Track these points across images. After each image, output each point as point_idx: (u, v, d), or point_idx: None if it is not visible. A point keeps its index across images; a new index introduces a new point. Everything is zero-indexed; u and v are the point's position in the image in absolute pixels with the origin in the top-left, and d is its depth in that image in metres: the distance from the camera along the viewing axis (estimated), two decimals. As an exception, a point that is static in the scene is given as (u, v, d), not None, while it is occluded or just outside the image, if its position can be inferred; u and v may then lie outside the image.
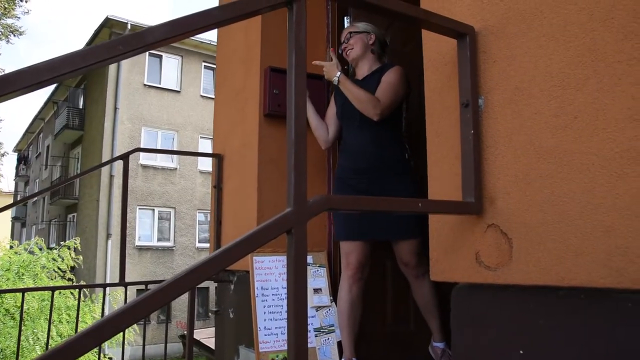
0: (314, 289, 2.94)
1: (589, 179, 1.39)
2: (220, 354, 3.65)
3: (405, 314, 3.17)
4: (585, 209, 1.39)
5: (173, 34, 1.15)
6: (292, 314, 1.19)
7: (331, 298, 2.92)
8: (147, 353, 3.68)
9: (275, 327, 2.77)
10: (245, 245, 1.16)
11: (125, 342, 3.93)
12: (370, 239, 2.64)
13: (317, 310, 2.88)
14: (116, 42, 1.07)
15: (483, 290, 1.65)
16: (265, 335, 2.74)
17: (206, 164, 19.71)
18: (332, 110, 2.93)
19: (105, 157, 18.04)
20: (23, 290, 3.36)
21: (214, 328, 9.94)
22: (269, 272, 2.84)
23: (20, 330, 3.14)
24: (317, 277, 2.98)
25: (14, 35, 24.76)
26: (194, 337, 5.91)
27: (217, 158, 3.67)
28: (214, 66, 20.35)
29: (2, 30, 23.86)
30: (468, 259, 1.66)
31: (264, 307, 2.78)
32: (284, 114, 3.22)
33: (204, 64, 20.62)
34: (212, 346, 9.93)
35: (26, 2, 21.30)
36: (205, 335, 11.25)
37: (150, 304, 1.03)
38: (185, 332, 14.98)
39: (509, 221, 1.56)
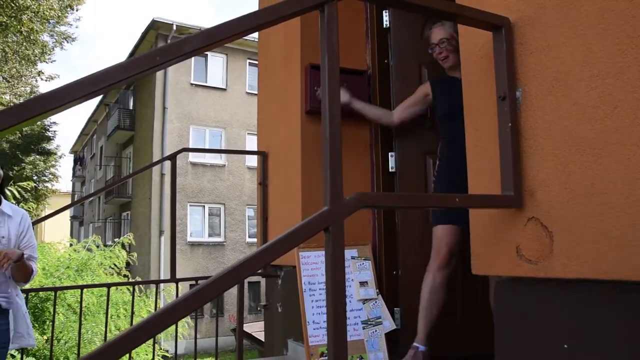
0: (360, 282, 2.96)
1: (630, 170, 1.36)
2: (270, 348, 3.73)
3: (451, 308, 3.15)
4: (627, 201, 1.37)
5: (209, 43, 1.19)
6: (331, 309, 1.22)
7: (377, 291, 2.94)
8: (201, 346, 3.81)
9: (323, 321, 2.81)
10: (286, 242, 1.20)
11: (179, 336, 4.06)
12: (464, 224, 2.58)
13: (363, 303, 2.91)
14: (155, 52, 1.12)
15: (525, 284, 1.64)
16: (314, 329, 2.78)
17: (254, 161, 19.93)
18: (415, 98, 2.95)
19: (156, 156, 18.51)
20: (82, 287, 3.52)
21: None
22: (315, 267, 2.88)
23: (80, 324, 3.30)
24: (362, 270, 3.00)
25: (67, 42, 25.66)
26: (246, 330, 6.04)
27: (262, 155, 3.74)
28: (259, 63, 20.60)
29: (57, 37, 24.78)
30: (509, 252, 1.66)
31: (312, 301, 2.83)
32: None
33: (248, 61, 20.85)
34: (262, 339, 10.13)
35: (77, 10, 21.97)
36: (258, 328, 11.44)
37: (200, 298, 1.08)
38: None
39: (549, 214, 1.55)
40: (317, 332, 2.82)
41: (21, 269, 2.74)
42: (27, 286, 3.14)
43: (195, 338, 3.65)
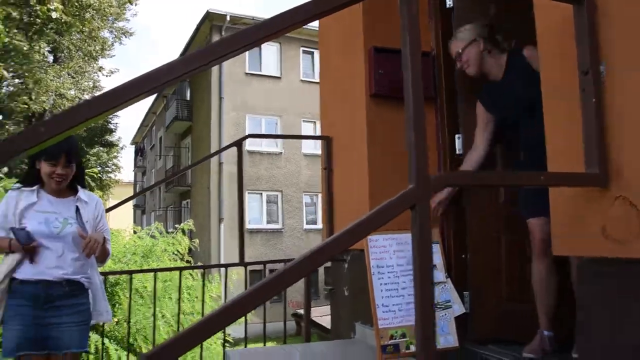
0: (428, 266, 2.94)
1: None
2: (336, 331, 3.76)
3: (519, 293, 3.10)
4: None
5: (266, 34, 1.21)
6: (419, 287, 1.23)
7: (446, 274, 2.92)
8: (259, 330, 3.88)
9: (393, 304, 2.81)
10: (373, 220, 1.21)
11: (240, 321, 4.13)
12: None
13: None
14: (215, 45, 1.14)
15: (610, 265, 1.60)
16: (383, 312, 2.79)
17: (310, 148, 20.09)
18: (483, 118, 2.90)
19: (213, 145, 18.87)
20: (155, 270, 3.65)
21: (323, 307, 10.11)
22: (383, 250, 2.88)
23: (155, 307, 3.43)
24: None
25: (125, 37, 26.49)
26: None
27: (326, 140, 3.76)
28: (313, 50, 20.59)
29: (116, 33, 25.59)
30: (593, 232, 1.61)
31: (381, 284, 2.83)
32: (389, 94, 3.26)
33: (302, 48, 20.93)
34: (323, 324, 10.20)
35: (135, 5, 22.62)
36: (316, 313, 11.56)
37: (284, 280, 1.11)
38: (297, 311, 15.40)
39: (639, 193, 1.50)
40: (386, 315, 2.82)
41: (101, 251, 2.90)
42: (101, 269, 3.29)
43: (265, 321, 3.73)
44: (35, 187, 2.88)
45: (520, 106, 2.67)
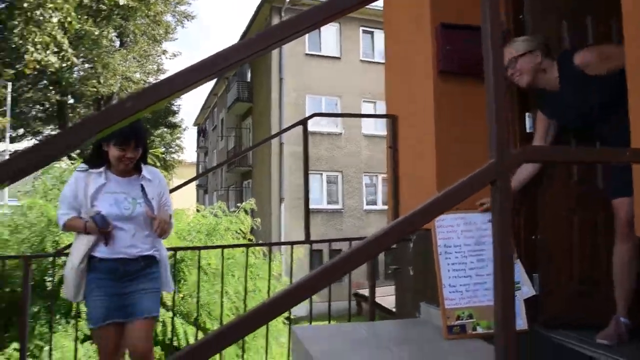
0: (496, 247, 2.88)
1: None
2: (401, 310, 3.75)
3: (592, 275, 2.99)
4: None
5: (328, 15, 1.18)
6: (499, 264, 1.19)
7: (516, 255, 2.85)
8: (322, 310, 3.92)
9: (460, 285, 2.78)
10: (448, 198, 1.18)
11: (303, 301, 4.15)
12: None
13: (501, 268, 2.83)
14: (276, 27, 1.13)
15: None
16: (450, 292, 2.76)
17: (370, 128, 20.00)
18: (542, 125, 2.84)
19: (274, 126, 19.05)
20: (222, 247, 3.74)
21: (384, 287, 10.08)
22: (450, 229, 2.84)
23: (222, 284, 3.51)
24: (499, 235, 2.91)
25: (187, 20, 27.03)
26: (367, 295, 6.16)
27: (392, 119, 3.71)
28: (372, 30, 20.40)
29: (178, 17, 26.16)
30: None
31: (448, 264, 2.80)
32: (457, 71, 3.19)
33: (361, 28, 20.74)
34: (384, 304, 10.19)
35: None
36: (376, 294, 11.55)
37: (352, 261, 1.09)
38: (358, 291, 15.46)
39: None
40: (453, 295, 2.79)
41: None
42: (171, 245, 3.41)
43: (330, 301, 3.76)
44: (102, 169, 2.99)
45: (581, 112, 2.60)
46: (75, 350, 4.03)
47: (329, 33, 20.43)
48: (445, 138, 3.12)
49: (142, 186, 3.06)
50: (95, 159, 3.02)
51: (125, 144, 2.92)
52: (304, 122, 3.58)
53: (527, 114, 3.08)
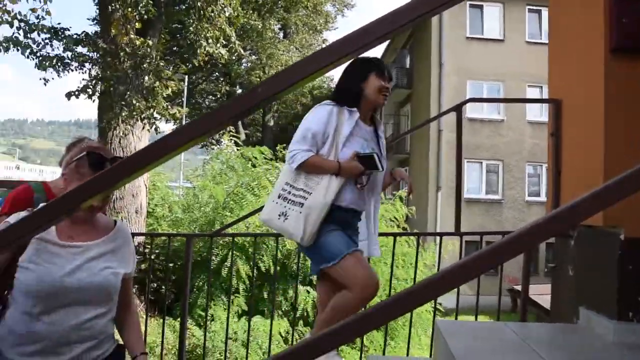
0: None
1: None
2: (556, 313, 3.45)
3: None
4: None
5: None
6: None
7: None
8: (473, 303, 3.73)
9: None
10: (623, 186, 1.00)
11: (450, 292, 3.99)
12: None
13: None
14: None
15: None
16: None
17: (535, 115, 18.82)
18: None
19: (433, 112, 18.67)
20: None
21: (543, 285, 9.47)
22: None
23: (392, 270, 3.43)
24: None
25: (347, 9, 27.49)
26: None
27: (554, 103, 3.40)
28: (540, 8, 19.05)
29: (338, 6, 26.74)
30: None
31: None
32: (634, 47, 2.82)
33: (527, 7, 19.51)
34: (541, 302, 9.54)
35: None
36: (534, 291, 10.86)
37: (499, 254, 0.97)
38: (514, 287, 14.69)
39: None
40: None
41: None
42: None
43: (478, 294, 3.58)
44: (355, 109, 2.70)
45: None
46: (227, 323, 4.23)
47: (492, 14, 19.55)
48: (615, 124, 2.77)
49: (378, 137, 2.82)
50: (352, 97, 2.71)
51: (386, 74, 2.71)
52: (457, 108, 3.41)
53: None
